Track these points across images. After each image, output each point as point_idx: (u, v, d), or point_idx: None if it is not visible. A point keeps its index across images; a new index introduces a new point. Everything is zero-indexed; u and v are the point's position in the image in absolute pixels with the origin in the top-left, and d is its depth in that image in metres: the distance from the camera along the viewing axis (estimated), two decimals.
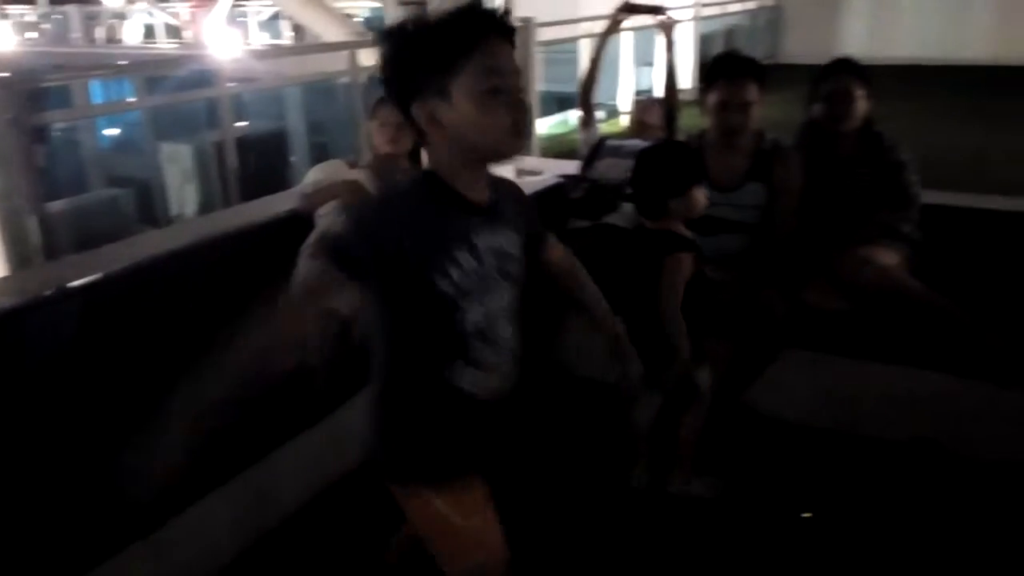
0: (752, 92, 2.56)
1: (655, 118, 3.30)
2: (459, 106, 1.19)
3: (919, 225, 2.75)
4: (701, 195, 2.17)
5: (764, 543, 2.23)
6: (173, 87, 5.09)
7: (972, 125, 8.49)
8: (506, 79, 1.19)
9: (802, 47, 14.04)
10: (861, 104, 2.71)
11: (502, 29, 1.20)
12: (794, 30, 14.79)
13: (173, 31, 20.62)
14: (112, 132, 7.49)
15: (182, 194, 4.65)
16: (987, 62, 12.66)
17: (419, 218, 1.24)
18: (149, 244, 2.86)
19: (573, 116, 9.09)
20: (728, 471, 2.47)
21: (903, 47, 13.25)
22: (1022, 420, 2.39)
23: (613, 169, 3.18)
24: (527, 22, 7.21)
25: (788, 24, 14.88)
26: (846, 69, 2.74)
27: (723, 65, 2.64)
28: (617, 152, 3.24)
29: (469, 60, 1.17)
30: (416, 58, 1.20)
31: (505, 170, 3.79)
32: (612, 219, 3.04)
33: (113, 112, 7.92)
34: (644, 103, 3.51)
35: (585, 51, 8.77)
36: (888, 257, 2.65)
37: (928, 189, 2.78)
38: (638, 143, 3.28)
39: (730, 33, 12.82)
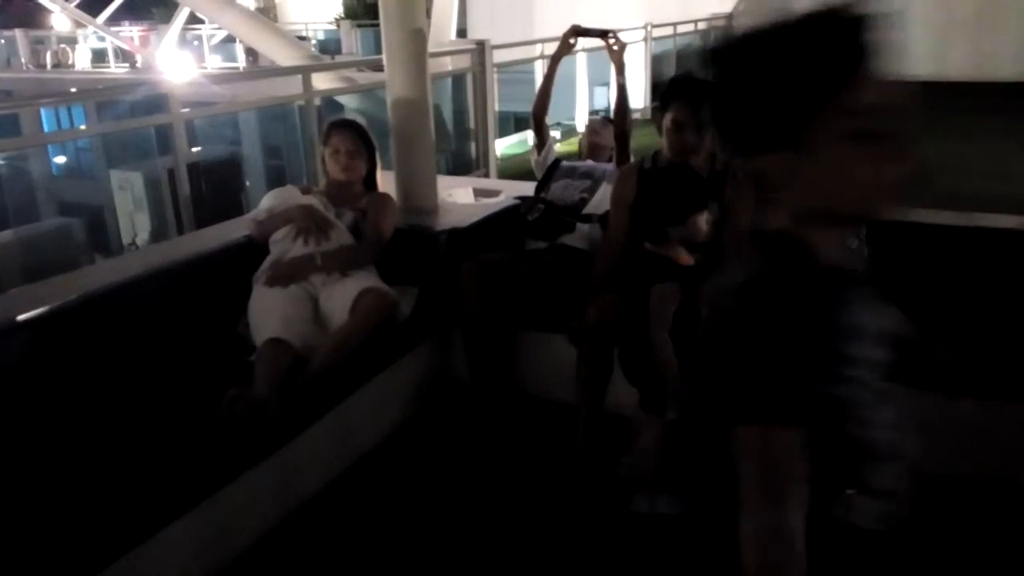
0: (707, 113, 2.60)
1: (606, 138, 3.35)
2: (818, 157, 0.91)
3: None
4: (702, 221, 2.18)
5: (727, 561, 2.24)
6: (124, 112, 5.03)
7: (912, 140, 8.73)
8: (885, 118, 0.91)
9: None
10: None
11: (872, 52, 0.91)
12: None
13: (124, 55, 20.35)
14: (62, 159, 7.36)
15: (134, 221, 4.58)
16: (927, 78, 13.05)
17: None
18: (100, 274, 2.82)
19: (531, 136, 9.18)
20: (692, 487, 2.48)
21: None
22: (973, 431, 2.44)
23: (568, 191, 3.21)
24: (483, 44, 7.29)
25: None
26: None
27: (679, 86, 2.69)
28: (571, 174, 3.28)
29: (838, 98, 0.89)
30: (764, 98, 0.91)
31: (463, 191, 3.84)
32: (568, 240, 3.07)
33: (64, 140, 7.79)
34: (595, 124, 3.56)
35: (541, 72, 8.87)
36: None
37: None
38: (591, 164, 3.33)
39: (681, 53, 13.05)
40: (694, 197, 2.18)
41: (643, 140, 2.81)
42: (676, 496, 2.36)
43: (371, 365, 2.70)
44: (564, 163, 3.37)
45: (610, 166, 3.28)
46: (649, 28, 11.76)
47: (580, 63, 10.14)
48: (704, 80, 2.93)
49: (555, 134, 3.72)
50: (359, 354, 2.59)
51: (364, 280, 2.74)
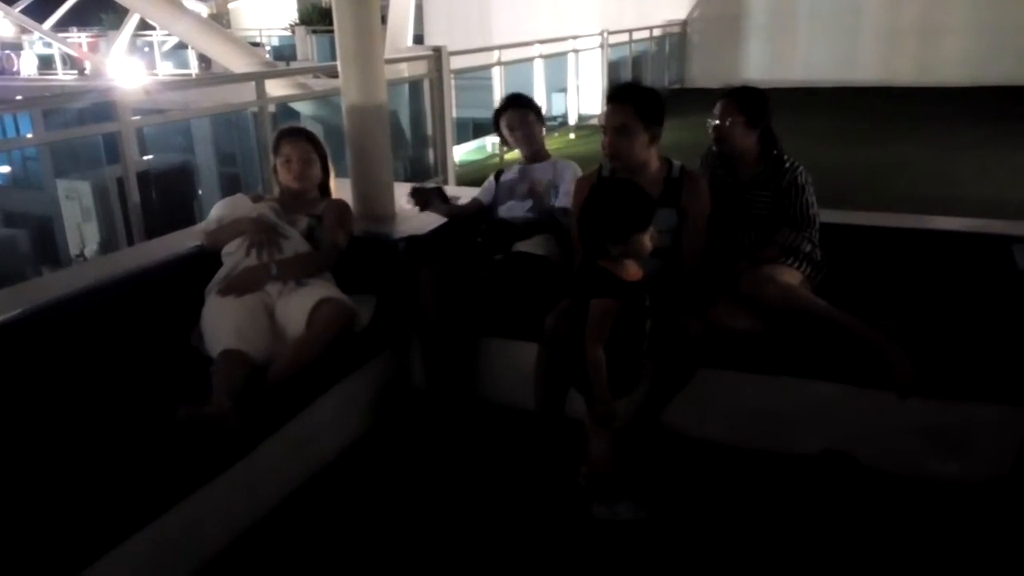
0: (625, 116, 2.63)
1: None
2: None
3: (819, 244, 2.86)
4: (646, 239, 2.18)
5: (689, 563, 2.25)
6: (72, 120, 4.90)
7: (862, 144, 8.92)
8: None
9: (705, 72, 14.58)
10: (737, 130, 2.82)
11: None
12: (698, 56, 15.32)
13: (72, 62, 19.90)
14: (6, 169, 7.16)
15: (82, 232, 4.47)
16: (876, 84, 13.37)
17: None
18: (47, 286, 2.74)
19: (489, 142, 9.17)
20: (650, 492, 2.49)
21: (799, 71, 13.88)
22: (922, 429, 2.49)
23: (513, 211, 3.23)
24: (439, 50, 7.27)
25: (692, 50, 15.40)
26: (726, 96, 2.87)
27: (613, 92, 2.74)
28: (513, 193, 3.28)
29: None
30: None
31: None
32: (524, 247, 3.07)
33: (8, 149, 7.57)
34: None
35: (499, 78, 8.89)
36: (791, 276, 2.74)
37: (826, 208, 2.91)
38: (530, 178, 3.30)
39: (637, 59, 13.18)
40: (637, 214, 2.17)
41: (596, 146, 2.82)
42: (635, 502, 2.37)
43: (329, 376, 2.66)
44: (504, 179, 3.37)
45: (544, 168, 3.29)
46: (605, 35, 11.86)
47: (538, 69, 10.18)
48: (630, 85, 2.98)
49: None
50: (317, 365, 2.55)
51: (321, 289, 2.71)
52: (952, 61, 13.35)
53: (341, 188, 3.21)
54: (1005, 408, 2.39)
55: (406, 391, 3.08)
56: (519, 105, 3.35)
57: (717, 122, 2.87)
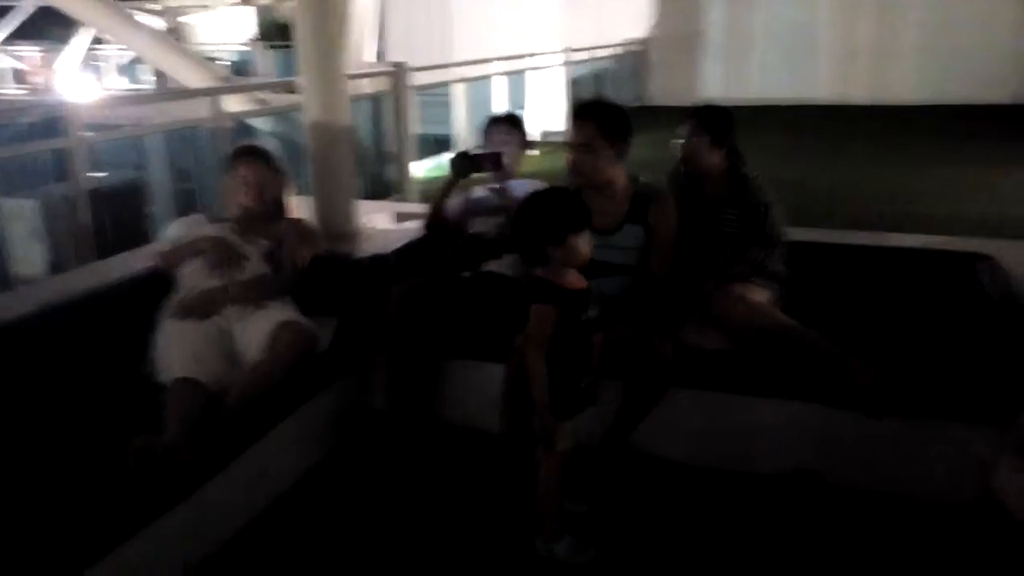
0: (590, 132, 2.61)
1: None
2: None
3: (787, 262, 2.86)
4: (583, 242, 2.13)
5: None
6: (20, 136, 4.73)
7: (820, 161, 9.04)
8: None
9: (665, 90, 14.72)
10: (703, 149, 2.82)
11: None
12: (659, 73, 15.47)
13: (21, 76, 19.42)
14: None
15: (28, 253, 4.30)
16: (831, 102, 13.62)
17: None
18: None
19: (445, 158, 9.09)
20: (617, 512, 2.44)
21: (756, 89, 14.09)
22: (892, 449, 2.48)
23: (485, 225, 3.18)
24: (400, 66, 7.21)
25: (653, 67, 15.55)
26: (691, 115, 2.87)
27: (577, 109, 2.74)
28: (482, 209, 3.23)
29: None
30: None
31: (383, 216, 3.74)
32: (493, 267, 3.02)
33: None
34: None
35: (460, 95, 8.85)
36: (759, 295, 2.73)
37: (789, 226, 2.91)
38: (491, 198, 3.26)
39: (599, 77, 13.27)
40: (571, 215, 2.13)
41: (560, 164, 2.80)
42: (578, 543, 2.27)
43: (288, 401, 2.57)
44: (471, 197, 3.33)
45: (522, 185, 3.25)
46: (568, 53, 11.92)
47: (500, 86, 10.16)
48: (594, 102, 2.98)
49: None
50: (276, 391, 2.46)
51: (281, 312, 2.62)
52: (906, 80, 13.67)
53: (301, 206, 3.12)
54: (970, 427, 2.38)
55: (367, 415, 2.99)
56: (501, 122, 3.32)
57: (683, 141, 2.86)
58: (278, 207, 2.97)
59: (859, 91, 13.79)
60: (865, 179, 7.97)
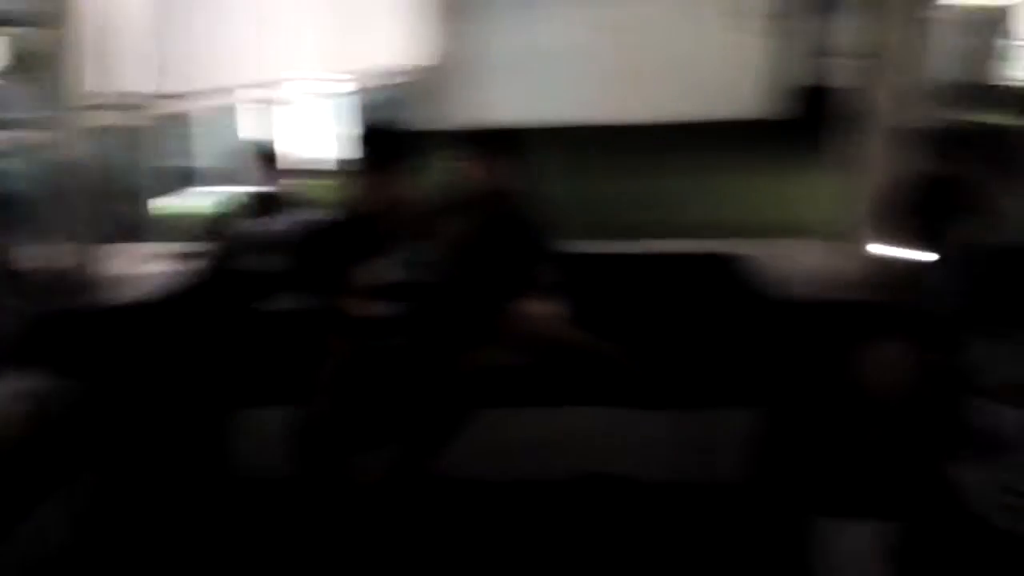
0: (375, 158, 2.54)
1: None
2: None
3: (568, 274, 2.91)
4: (368, 274, 2.02)
5: None
6: None
7: (597, 178, 9.52)
8: None
9: (454, 112, 14.81)
10: (485, 170, 2.83)
11: None
12: (446, 96, 15.52)
13: None
14: None
15: None
16: (606, 121, 14.43)
17: None
18: None
19: (195, 193, 8.46)
20: (423, 542, 2.34)
21: (535, 110, 14.54)
22: (674, 441, 2.59)
23: (261, 260, 2.97)
24: (145, 97, 6.65)
25: (441, 90, 15.59)
26: (469, 139, 2.87)
27: (358, 135, 2.64)
28: (256, 242, 3.03)
29: None
30: None
31: (130, 259, 3.34)
32: (283, 302, 2.82)
33: None
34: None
35: (220, 123, 8.32)
36: (544, 309, 2.76)
37: (572, 239, 2.97)
38: (269, 231, 3.07)
39: (384, 102, 13.11)
40: (355, 249, 2.04)
41: (329, 194, 2.69)
42: None
43: None
44: (239, 231, 3.10)
45: (296, 216, 3.09)
46: (336, 80, 11.65)
47: (262, 113, 9.70)
48: (387, 129, 2.85)
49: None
50: None
51: None
52: (648, 99, 14.79)
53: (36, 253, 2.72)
54: (746, 413, 2.54)
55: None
56: (264, 153, 3.17)
57: (467, 164, 2.84)
58: None
59: (610, 110, 14.72)
60: (628, 191, 8.51)
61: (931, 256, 1.97)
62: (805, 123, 13.40)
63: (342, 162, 2.65)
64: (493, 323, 2.67)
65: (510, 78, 15.29)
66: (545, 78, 15.16)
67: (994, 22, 17.81)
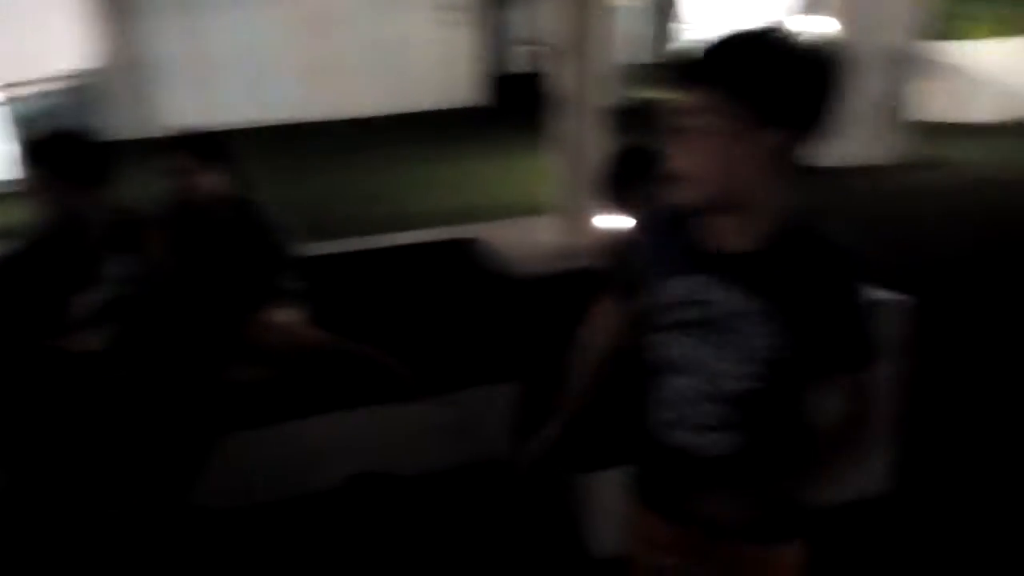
0: (42, 175, 2.29)
1: None
2: None
3: (304, 277, 2.83)
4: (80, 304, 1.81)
5: None
6: None
7: (303, 176, 9.28)
8: (675, 123, 1.12)
9: (128, 121, 13.58)
10: (204, 177, 2.68)
11: (687, 71, 1.10)
12: (120, 104, 14.17)
13: None
14: None
15: None
16: (297, 119, 14.08)
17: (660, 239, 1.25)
18: None
19: None
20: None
21: (224, 112, 13.80)
22: (436, 431, 2.63)
23: None
24: None
25: (112, 98, 14.19)
26: (181, 145, 2.69)
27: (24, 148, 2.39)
28: None
29: None
30: None
31: None
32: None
33: None
34: None
35: None
36: (288, 315, 2.67)
37: (305, 241, 2.90)
38: None
39: (51, 113, 11.67)
40: (53, 277, 1.84)
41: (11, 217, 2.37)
42: None
43: None
44: None
45: None
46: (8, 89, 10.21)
47: None
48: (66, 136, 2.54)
49: None
50: None
51: None
52: (363, 93, 14.75)
53: None
54: (500, 386, 2.64)
55: None
56: None
57: (174, 171, 2.64)
58: None
59: (321, 107, 14.47)
60: (350, 188, 8.42)
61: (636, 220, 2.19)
62: (512, 108, 14.21)
63: (13, 180, 2.32)
64: (234, 337, 2.53)
65: (215, 79, 14.46)
66: (252, 77, 14.53)
67: (666, 6, 20.04)
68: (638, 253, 1.27)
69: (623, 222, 2.20)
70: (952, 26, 9.93)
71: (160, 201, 2.80)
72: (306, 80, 14.78)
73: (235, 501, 2.48)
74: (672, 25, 20.15)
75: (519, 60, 16.86)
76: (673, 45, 19.94)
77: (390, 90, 14.75)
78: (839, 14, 7.99)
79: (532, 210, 4.63)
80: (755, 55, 1.06)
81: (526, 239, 3.28)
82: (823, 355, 1.15)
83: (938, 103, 9.45)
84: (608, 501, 2.01)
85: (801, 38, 1.09)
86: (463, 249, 3.16)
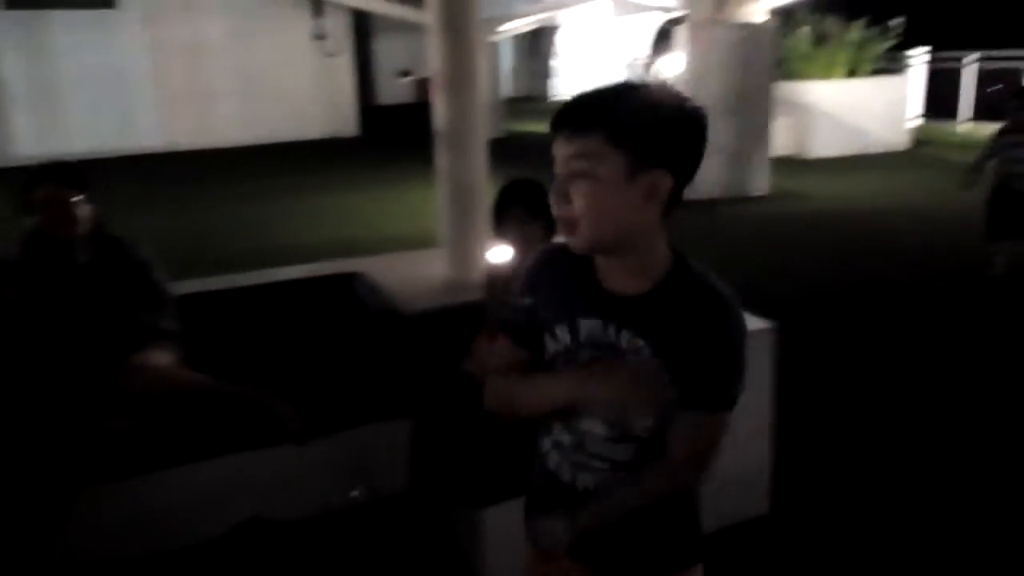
0: None
1: None
2: None
3: (179, 317, 2.71)
4: None
5: None
6: None
7: (170, 208, 8.85)
8: (558, 170, 1.16)
9: None
10: (80, 208, 2.53)
11: (564, 119, 1.14)
12: None
13: None
14: None
15: None
16: (159, 149, 13.48)
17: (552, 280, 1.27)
18: None
19: None
20: None
21: (79, 142, 13.03)
22: (327, 465, 2.57)
23: None
24: None
25: None
26: (54, 176, 2.52)
27: None
28: None
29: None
30: None
31: None
32: None
33: None
34: None
35: None
36: (163, 358, 2.54)
37: (177, 278, 2.77)
38: None
39: None
40: None
41: None
42: None
43: None
44: None
45: None
46: None
47: None
48: None
49: None
50: None
51: None
52: (229, 123, 14.30)
53: None
54: (388, 424, 2.61)
55: None
56: None
57: (33, 205, 2.47)
58: None
59: (185, 136, 13.92)
60: (224, 221, 8.09)
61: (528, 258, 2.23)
62: (386, 139, 14.16)
63: None
64: (104, 383, 2.38)
65: (70, 105, 13.61)
66: (112, 104, 13.79)
67: (541, 43, 20.59)
68: (531, 293, 1.29)
69: (510, 255, 2.23)
70: (788, 68, 10.74)
71: (14, 237, 2.62)
72: (172, 108, 14.21)
73: (106, 555, 2.32)
74: (548, 61, 20.78)
75: (394, 91, 16.88)
76: (548, 80, 20.56)
77: (261, 119, 14.42)
78: (693, 56, 8.45)
79: (412, 242, 4.63)
80: (631, 102, 1.11)
81: (409, 273, 3.26)
82: (682, 390, 1.18)
83: (783, 139, 10.17)
84: (503, 536, 2.02)
85: (665, 82, 1.17)
86: (345, 284, 3.11)
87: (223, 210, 8.70)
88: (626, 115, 1.10)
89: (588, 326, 1.21)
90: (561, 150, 1.14)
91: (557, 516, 1.21)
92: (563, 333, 1.23)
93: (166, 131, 14.00)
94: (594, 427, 1.23)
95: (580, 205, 1.12)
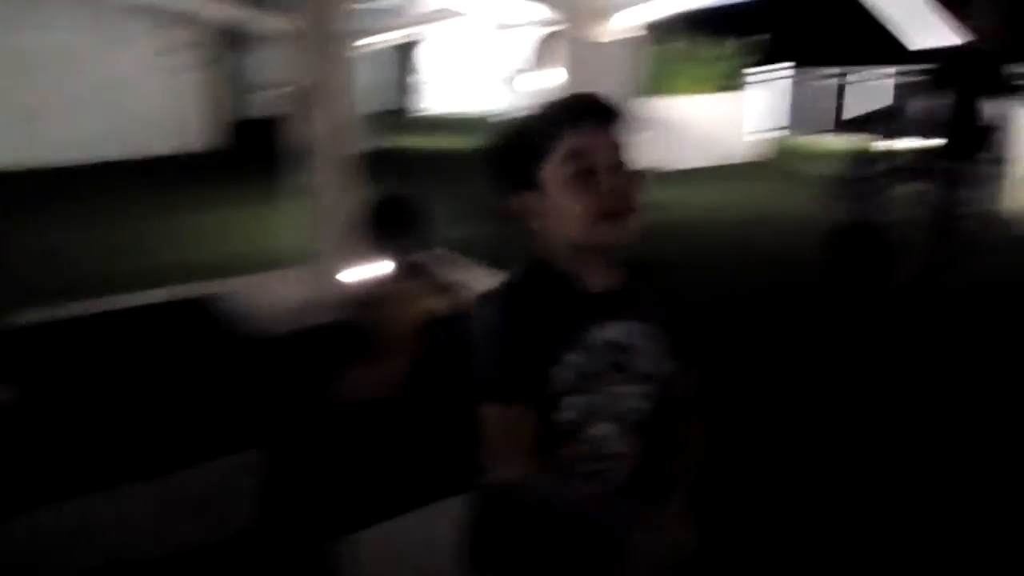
0: None
1: None
2: (548, 196, 1.16)
3: (20, 351, 2.50)
4: None
5: None
6: None
7: (14, 231, 8.15)
8: (594, 162, 1.13)
9: None
10: None
11: (593, 112, 1.14)
12: None
13: None
14: None
15: None
16: (8, 167, 12.50)
17: (535, 315, 1.17)
18: None
19: None
20: None
21: None
22: (180, 508, 2.41)
23: None
24: None
25: None
26: None
27: None
28: None
29: (554, 148, 1.13)
30: (510, 151, 1.19)
31: None
32: None
33: None
34: None
35: None
36: None
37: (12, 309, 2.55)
38: None
39: None
40: None
41: None
42: None
43: None
44: None
45: None
46: None
47: None
48: None
49: None
50: None
51: None
52: (80, 137, 13.43)
53: None
54: (244, 455, 2.48)
55: None
56: None
57: None
58: None
59: (36, 152, 12.97)
60: (74, 243, 7.52)
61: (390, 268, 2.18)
62: (251, 154, 13.66)
63: None
64: None
65: None
66: None
67: (403, 58, 20.46)
68: (521, 339, 1.16)
69: (379, 272, 2.18)
70: (654, 83, 11.22)
71: None
72: (17, 122, 13.19)
73: None
74: (412, 76, 20.65)
75: (258, 104, 16.40)
76: (414, 95, 20.43)
77: (113, 134, 13.59)
78: (568, 71, 8.64)
79: (275, 262, 4.43)
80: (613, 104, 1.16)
81: (271, 294, 3.14)
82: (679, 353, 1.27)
83: (650, 153, 10.54)
84: (371, 562, 1.96)
85: (536, 91, 1.21)
86: (202, 308, 2.96)
87: (77, 231, 8.06)
88: (622, 114, 1.16)
89: (599, 334, 1.18)
90: (593, 140, 1.13)
91: (643, 527, 1.16)
92: (574, 356, 1.17)
93: (14, 147, 12.98)
94: (611, 430, 1.23)
95: (636, 196, 1.14)
